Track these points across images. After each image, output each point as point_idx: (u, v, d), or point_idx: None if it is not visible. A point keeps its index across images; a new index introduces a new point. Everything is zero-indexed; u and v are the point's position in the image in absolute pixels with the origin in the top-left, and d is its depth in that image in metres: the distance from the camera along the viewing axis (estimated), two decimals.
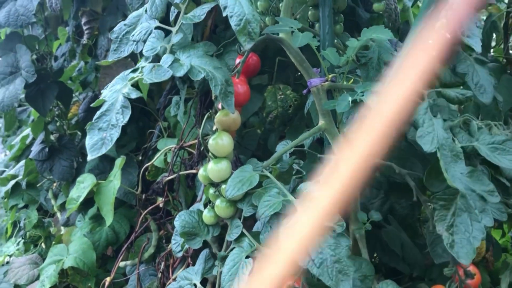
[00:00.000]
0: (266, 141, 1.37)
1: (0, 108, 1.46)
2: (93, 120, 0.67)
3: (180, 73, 0.70)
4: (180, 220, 0.83)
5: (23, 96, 2.02)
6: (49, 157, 1.70)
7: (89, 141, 0.65)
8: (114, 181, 1.31)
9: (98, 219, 1.59)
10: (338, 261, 0.67)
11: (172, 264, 1.26)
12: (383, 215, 1.19)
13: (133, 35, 0.79)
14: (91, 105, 0.70)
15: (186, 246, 0.90)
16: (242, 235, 0.80)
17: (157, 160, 1.36)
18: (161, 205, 1.32)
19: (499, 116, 1.04)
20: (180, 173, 1.28)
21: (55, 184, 1.78)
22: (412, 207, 1.24)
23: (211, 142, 0.79)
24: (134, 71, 0.73)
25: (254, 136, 1.43)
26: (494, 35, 1.23)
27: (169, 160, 1.33)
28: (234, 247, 0.78)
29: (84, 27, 1.77)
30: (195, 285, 0.86)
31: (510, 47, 1.18)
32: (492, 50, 1.30)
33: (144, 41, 0.78)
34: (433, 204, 0.72)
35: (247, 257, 0.76)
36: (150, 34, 0.77)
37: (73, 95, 2.15)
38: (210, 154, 0.81)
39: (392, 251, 1.00)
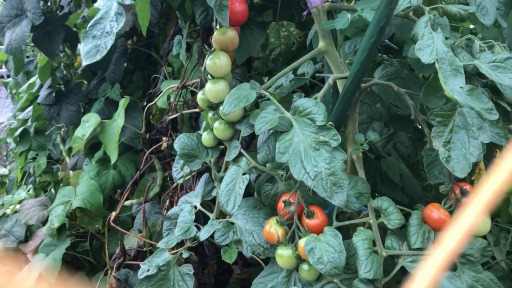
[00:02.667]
0: None
1: (8, 50, 1.46)
2: (87, 28, 0.67)
3: None
4: (180, 142, 0.84)
5: (29, 47, 2.02)
6: (57, 102, 1.71)
7: (83, 49, 0.65)
8: (118, 120, 1.32)
9: (104, 162, 1.62)
10: (332, 174, 0.68)
11: (177, 201, 1.28)
12: (389, 150, 1.19)
13: None
14: (86, 14, 0.70)
15: (186, 170, 0.92)
16: (240, 155, 0.80)
17: (160, 100, 1.36)
18: (165, 144, 1.33)
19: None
20: (183, 112, 1.29)
21: (62, 130, 1.81)
22: (415, 147, 1.24)
23: (208, 62, 0.79)
24: None
25: (259, 80, 1.42)
26: None
27: (172, 100, 1.33)
28: (232, 166, 0.79)
29: None
30: (195, 207, 0.88)
31: None
32: None
33: None
34: (430, 120, 0.72)
35: (244, 174, 0.77)
36: None
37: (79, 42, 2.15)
38: (208, 75, 0.81)
39: (392, 182, 1.01)
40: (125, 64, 1.90)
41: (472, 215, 0.21)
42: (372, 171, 1.05)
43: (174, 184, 1.32)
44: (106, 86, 1.70)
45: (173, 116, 1.28)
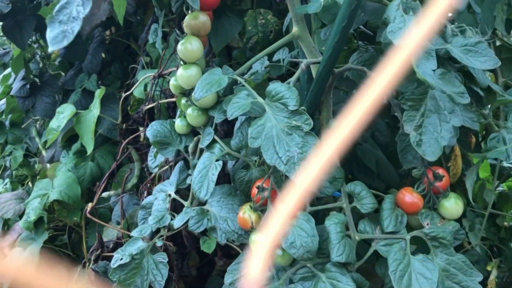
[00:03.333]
0: None
1: None
2: (53, 13, 0.65)
3: None
4: (152, 129, 0.83)
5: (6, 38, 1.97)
6: (31, 94, 1.68)
7: (50, 34, 0.63)
8: (94, 110, 1.30)
9: (82, 154, 1.60)
10: (305, 158, 0.67)
11: None
12: (365, 137, 1.19)
13: None
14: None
15: (161, 158, 0.91)
16: (213, 141, 0.80)
17: (136, 90, 1.34)
18: (142, 134, 1.32)
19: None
20: (160, 101, 1.27)
21: (38, 122, 1.77)
22: (393, 135, 1.25)
23: (180, 47, 0.77)
24: None
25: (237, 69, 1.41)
26: None
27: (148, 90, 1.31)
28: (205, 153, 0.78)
29: None
30: (170, 195, 0.87)
31: None
32: None
33: None
34: (401, 104, 0.72)
35: (217, 160, 0.76)
36: None
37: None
38: (179, 61, 0.79)
39: (368, 168, 1.01)
40: (103, 55, 1.87)
41: (323, 160, 0.20)
42: (348, 157, 1.05)
43: (152, 175, 1.31)
44: (83, 77, 1.67)
45: (150, 105, 1.26)
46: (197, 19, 0.77)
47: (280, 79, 1.18)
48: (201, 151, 0.81)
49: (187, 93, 0.82)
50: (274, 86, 0.72)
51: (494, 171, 1.14)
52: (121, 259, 0.79)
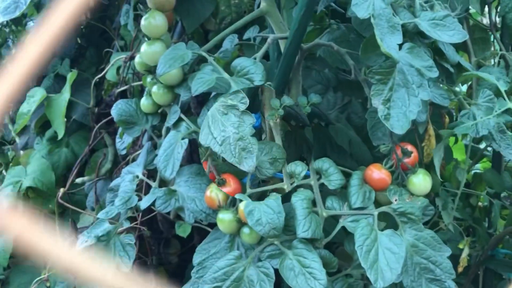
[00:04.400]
0: None
1: None
2: None
3: None
4: (117, 108, 0.81)
5: None
6: None
7: (1, 4, 0.61)
8: (65, 94, 1.27)
9: (56, 140, 1.56)
10: (241, 138, 0.65)
11: None
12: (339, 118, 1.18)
13: None
14: None
15: (128, 140, 0.89)
16: (180, 120, 0.78)
17: (109, 73, 1.32)
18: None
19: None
20: (133, 84, 1.24)
21: (11, 109, 1.73)
22: None
23: (143, 22, 0.75)
24: None
25: (214, 53, 1.39)
26: None
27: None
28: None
29: None
30: (137, 176, 0.85)
31: None
32: None
33: None
34: (369, 78, 0.71)
35: (183, 139, 0.75)
36: None
37: (29, 19, 2.05)
38: (144, 37, 0.77)
39: (341, 148, 1.00)
40: (78, 40, 1.83)
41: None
42: (322, 138, 1.04)
43: (126, 159, 1.29)
44: (56, 62, 1.63)
45: (122, 88, 1.24)
46: None
47: None
48: (168, 130, 0.80)
49: (152, 70, 0.80)
50: (240, 61, 0.70)
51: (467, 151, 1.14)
52: (86, 241, 0.77)
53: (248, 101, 0.65)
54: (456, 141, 1.32)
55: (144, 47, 0.76)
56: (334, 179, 0.72)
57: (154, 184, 0.82)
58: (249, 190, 0.72)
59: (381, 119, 0.69)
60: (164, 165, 0.72)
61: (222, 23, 1.24)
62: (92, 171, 1.38)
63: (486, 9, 1.17)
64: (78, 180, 1.37)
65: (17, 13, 0.61)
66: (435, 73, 0.73)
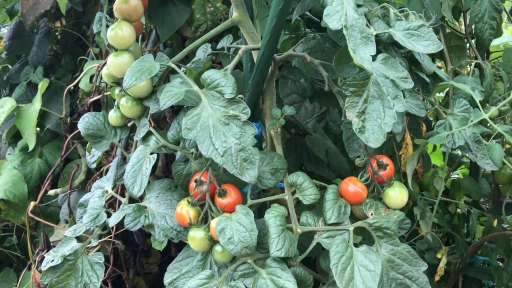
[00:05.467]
0: None
1: None
2: None
3: None
4: (84, 122, 0.78)
5: None
6: None
7: None
8: (35, 104, 1.23)
9: (29, 151, 1.52)
10: (243, 149, 0.64)
11: None
12: (315, 128, 1.17)
13: None
14: None
15: (98, 153, 0.85)
16: (149, 133, 0.75)
17: (82, 82, 1.28)
18: None
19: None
20: (105, 94, 1.21)
21: None
22: None
23: (109, 33, 0.72)
24: None
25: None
26: None
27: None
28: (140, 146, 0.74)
29: None
30: (107, 191, 0.82)
31: None
32: None
33: None
34: (343, 90, 0.69)
35: (152, 153, 0.72)
36: None
37: (1, 25, 2.00)
38: (111, 48, 0.74)
39: (318, 159, 0.99)
40: (53, 47, 1.79)
41: None
42: (299, 148, 1.02)
43: (100, 170, 1.25)
44: (28, 69, 1.58)
45: (95, 98, 1.20)
46: (127, 3, 0.72)
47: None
48: (136, 143, 0.77)
49: (120, 82, 0.77)
50: (210, 73, 0.68)
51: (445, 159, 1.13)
52: (52, 260, 0.73)
53: (249, 111, 0.64)
54: (435, 148, 1.31)
55: (111, 59, 0.73)
56: (308, 193, 0.70)
57: (124, 200, 0.79)
58: (249, 201, 0.69)
59: (355, 132, 0.67)
60: (131, 182, 0.70)
61: (197, 31, 1.22)
62: (66, 182, 1.34)
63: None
64: (51, 192, 1.32)
65: None
66: (410, 84, 0.71)
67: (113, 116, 0.77)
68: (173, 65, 0.71)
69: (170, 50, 1.37)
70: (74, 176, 1.30)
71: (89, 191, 1.26)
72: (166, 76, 0.81)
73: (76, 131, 1.26)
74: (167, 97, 0.67)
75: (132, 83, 0.67)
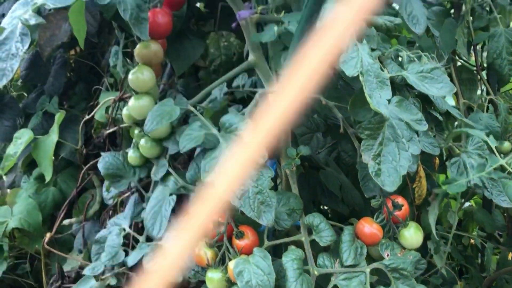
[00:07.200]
0: None
1: None
2: None
3: None
4: (104, 161, 0.79)
5: None
6: None
7: None
8: (52, 136, 1.25)
9: (43, 179, 1.54)
10: (260, 192, 0.65)
11: None
12: (328, 161, 1.18)
13: None
14: None
15: (115, 191, 0.87)
16: (168, 174, 0.76)
17: (97, 113, 1.30)
18: None
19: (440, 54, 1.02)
20: (122, 126, 1.23)
21: None
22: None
23: (131, 76, 0.75)
24: None
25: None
26: None
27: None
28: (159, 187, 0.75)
29: None
30: (124, 229, 0.83)
31: None
32: None
33: None
34: (359, 133, 0.70)
35: (171, 194, 0.73)
36: None
37: None
38: (131, 90, 0.77)
39: (332, 193, 0.99)
40: (68, 75, 1.82)
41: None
42: (312, 182, 1.03)
43: (114, 201, 1.26)
44: (44, 99, 1.61)
45: (111, 130, 1.23)
46: (148, 48, 0.74)
47: (242, 102, 1.16)
48: (156, 183, 0.78)
49: (140, 123, 0.79)
50: (228, 118, 0.70)
51: None
52: None
53: (266, 154, 0.65)
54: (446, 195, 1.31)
55: (132, 101, 0.75)
56: (325, 235, 0.71)
57: (141, 239, 0.80)
58: (266, 243, 0.70)
59: (371, 175, 0.68)
60: (151, 223, 0.71)
61: (211, 65, 1.25)
62: (80, 212, 1.36)
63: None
64: (66, 222, 1.34)
65: (4, 82, 0.60)
66: (424, 127, 0.73)
67: (132, 156, 0.79)
68: (192, 108, 0.73)
69: (184, 82, 1.39)
70: (89, 206, 1.32)
71: (103, 222, 1.27)
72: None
73: (91, 162, 1.28)
74: (187, 140, 0.69)
75: (154, 127, 0.69)
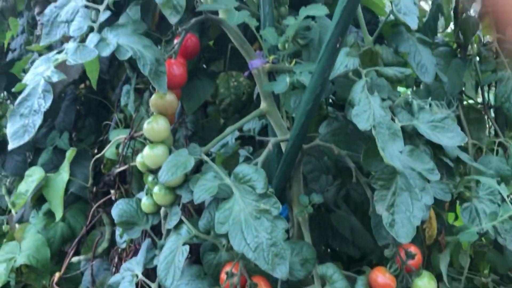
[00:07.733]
0: None
1: None
2: (14, 106, 0.63)
3: (106, 52, 0.67)
4: (118, 209, 0.80)
5: None
6: (1, 152, 1.63)
7: (10, 129, 0.61)
8: (63, 174, 1.26)
9: (52, 214, 1.54)
10: (274, 244, 0.65)
11: (125, 257, 1.22)
12: (338, 202, 1.18)
13: (61, 16, 0.75)
14: (12, 89, 0.66)
15: (127, 236, 0.87)
16: (180, 222, 0.77)
17: (108, 151, 1.32)
18: (113, 197, 1.28)
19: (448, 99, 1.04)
20: (132, 164, 1.24)
21: (8, 180, 1.72)
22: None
23: (146, 126, 0.76)
24: (59, 52, 0.70)
25: (215, 126, 1.40)
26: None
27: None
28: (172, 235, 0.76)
29: (38, 18, 1.71)
30: (137, 275, 0.83)
31: (459, 32, 1.18)
32: (442, 33, 1.30)
33: (73, 21, 0.74)
34: (372, 184, 0.71)
35: (184, 244, 0.74)
36: (77, 13, 0.73)
37: None
38: (146, 140, 0.78)
39: (342, 236, 0.99)
40: (78, 108, 1.85)
41: None
42: (323, 225, 1.03)
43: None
44: (54, 134, 1.63)
45: (121, 168, 1.24)
46: (163, 98, 0.76)
47: (251, 143, 1.16)
48: (168, 231, 0.79)
49: (154, 170, 0.80)
50: (242, 168, 0.71)
51: None
52: None
53: (280, 206, 0.66)
54: (456, 218, 1.31)
55: (146, 150, 0.76)
56: (339, 286, 0.71)
57: (154, 286, 0.80)
58: None
59: (385, 226, 0.69)
60: (164, 274, 0.71)
61: (221, 104, 1.26)
62: (89, 249, 1.36)
63: None
64: (74, 259, 1.34)
65: (26, 138, 0.61)
66: (436, 176, 0.73)
67: (145, 203, 0.80)
68: (205, 158, 0.74)
69: (193, 118, 1.41)
70: (98, 243, 1.32)
71: (112, 260, 1.27)
72: None
73: (101, 200, 1.29)
74: (201, 191, 0.69)
75: (169, 178, 0.70)
